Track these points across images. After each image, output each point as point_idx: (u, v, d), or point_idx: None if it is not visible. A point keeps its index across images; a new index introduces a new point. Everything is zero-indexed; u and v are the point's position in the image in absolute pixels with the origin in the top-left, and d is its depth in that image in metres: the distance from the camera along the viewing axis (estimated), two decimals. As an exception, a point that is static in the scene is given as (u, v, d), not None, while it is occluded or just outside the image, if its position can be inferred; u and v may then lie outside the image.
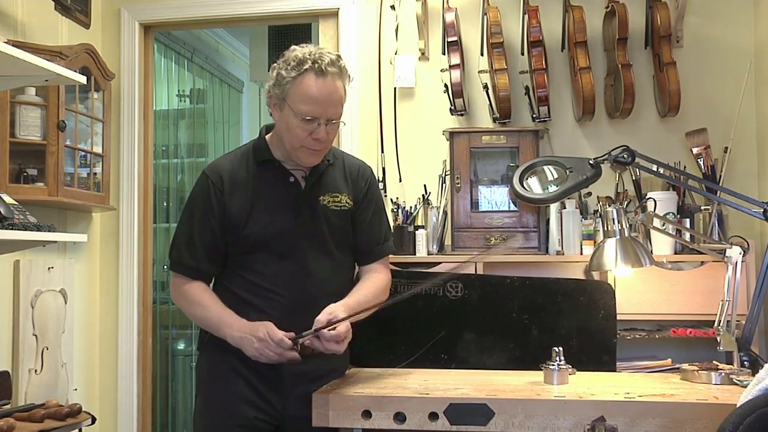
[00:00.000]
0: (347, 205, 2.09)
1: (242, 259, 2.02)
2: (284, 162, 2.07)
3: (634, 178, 2.81)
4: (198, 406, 2.10)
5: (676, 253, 2.67)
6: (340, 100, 1.97)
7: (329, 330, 1.87)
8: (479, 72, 3.00)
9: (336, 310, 1.90)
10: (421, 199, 2.93)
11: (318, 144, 1.97)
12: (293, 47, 1.99)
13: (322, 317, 1.88)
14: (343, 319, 1.89)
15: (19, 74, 2.24)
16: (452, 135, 2.83)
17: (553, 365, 1.98)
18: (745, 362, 2.12)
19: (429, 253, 2.81)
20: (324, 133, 1.95)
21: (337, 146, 3.07)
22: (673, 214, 2.67)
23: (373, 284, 2.09)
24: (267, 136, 2.12)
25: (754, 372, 1.98)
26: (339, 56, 1.98)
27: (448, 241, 2.86)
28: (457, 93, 2.87)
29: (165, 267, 3.92)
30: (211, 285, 2.14)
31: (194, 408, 2.13)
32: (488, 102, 2.97)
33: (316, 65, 1.91)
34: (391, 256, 2.21)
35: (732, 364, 2.15)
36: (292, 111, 1.93)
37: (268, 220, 2.02)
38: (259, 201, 2.04)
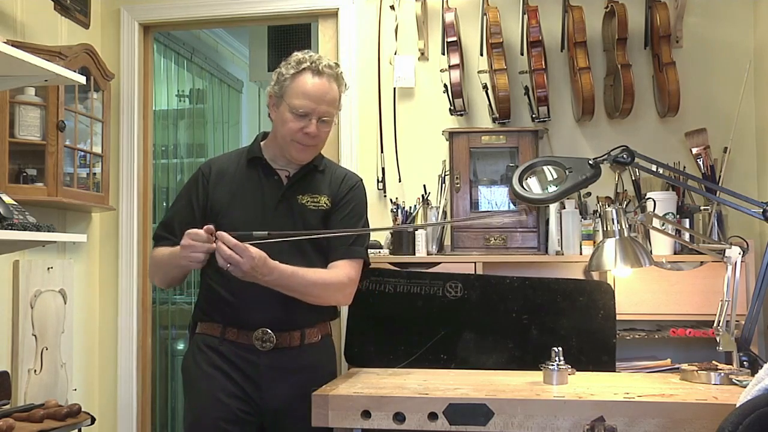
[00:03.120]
0: (325, 205, 2.15)
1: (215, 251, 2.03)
2: (272, 162, 2.17)
3: (633, 178, 2.81)
4: (185, 403, 2.17)
5: (675, 254, 2.67)
6: (333, 101, 2.09)
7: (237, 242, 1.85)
8: (479, 72, 3.00)
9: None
10: (421, 199, 2.93)
11: (308, 139, 2.07)
12: (295, 52, 2.13)
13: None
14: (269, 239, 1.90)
15: (18, 74, 2.24)
16: (452, 135, 2.83)
17: (552, 365, 1.98)
18: (745, 362, 2.12)
19: (428, 254, 2.80)
20: (314, 129, 2.06)
21: (336, 147, 3.10)
22: (673, 214, 2.67)
23: (316, 273, 2.05)
24: (262, 142, 2.22)
25: (754, 372, 1.99)
26: (337, 64, 2.14)
27: (447, 242, 2.86)
28: (456, 93, 2.87)
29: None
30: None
31: (183, 406, 2.17)
32: (488, 102, 2.97)
33: (314, 65, 2.07)
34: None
35: (731, 364, 2.15)
36: (288, 106, 2.06)
37: (245, 211, 2.09)
38: (241, 193, 2.13)
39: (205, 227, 1.88)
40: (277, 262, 1.93)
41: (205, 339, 2.12)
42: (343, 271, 2.09)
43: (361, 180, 2.27)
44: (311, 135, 2.06)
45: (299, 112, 2.04)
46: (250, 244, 1.86)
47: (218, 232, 1.86)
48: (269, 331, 2.06)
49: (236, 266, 1.85)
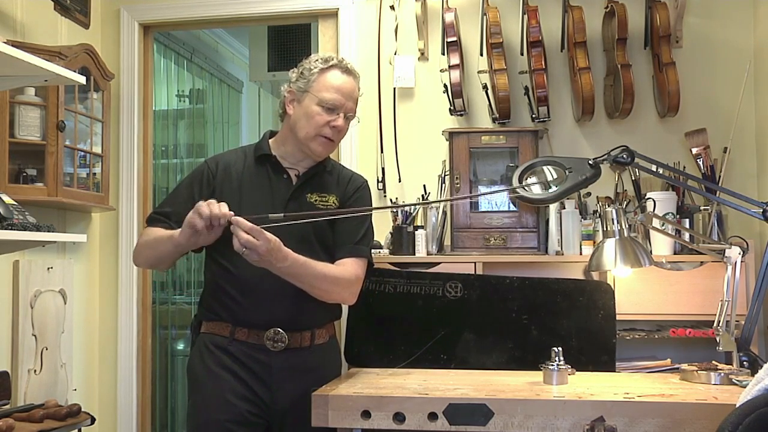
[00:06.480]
0: (333, 205, 2.16)
1: (222, 248, 2.03)
2: (282, 160, 2.16)
3: (633, 178, 2.81)
4: (191, 404, 2.13)
5: (675, 254, 2.67)
6: (357, 101, 2.17)
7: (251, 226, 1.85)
8: (479, 72, 3.00)
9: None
10: (421, 200, 2.93)
11: (334, 133, 2.11)
12: (313, 54, 2.19)
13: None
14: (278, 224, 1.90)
15: (18, 74, 2.24)
16: (452, 135, 2.83)
17: (552, 365, 1.98)
18: (745, 362, 2.12)
19: (428, 254, 2.80)
20: (342, 123, 2.10)
21: (337, 149, 3.10)
22: (673, 214, 2.67)
23: (327, 267, 2.06)
24: (271, 140, 2.22)
25: (754, 372, 1.99)
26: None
27: (447, 242, 2.86)
28: (456, 93, 2.87)
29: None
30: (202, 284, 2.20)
31: (187, 407, 2.15)
32: (488, 102, 2.97)
33: (342, 63, 2.13)
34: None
35: (731, 364, 2.15)
36: (316, 98, 2.08)
37: (254, 209, 2.06)
38: (249, 191, 2.12)
39: (225, 211, 1.85)
40: (290, 251, 1.92)
41: (213, 339, 2.10)
42: (351, 269, 2.10)
43: (367, 181, 2.29)
44: (338, 129, 2.09)
45: (328, 105, 2.07)
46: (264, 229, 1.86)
47: (234, 217, 1.85)
48: (281, 330, 2.05)
49: (253, 249, 1.83)
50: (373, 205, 2.32)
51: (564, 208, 2.75)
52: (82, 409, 2.47)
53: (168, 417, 4.06)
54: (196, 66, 4.43)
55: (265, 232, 1.85)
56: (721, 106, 2.90)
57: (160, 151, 4.15)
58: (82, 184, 2.90)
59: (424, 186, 2.95)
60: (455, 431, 1.74)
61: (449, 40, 2.91)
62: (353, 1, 3.17)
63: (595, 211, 2.76)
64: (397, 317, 2.49)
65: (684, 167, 2.82)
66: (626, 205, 2.73)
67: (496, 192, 2.78)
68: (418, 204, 2.90)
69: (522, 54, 2.95)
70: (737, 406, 1.36)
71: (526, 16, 2.85)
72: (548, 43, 2.90)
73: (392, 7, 3.15)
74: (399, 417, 1.76)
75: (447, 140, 2.87)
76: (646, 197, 2.62)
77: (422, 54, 3.11)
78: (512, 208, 2.79)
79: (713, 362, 2.21)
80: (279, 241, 1.88)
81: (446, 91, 2.93)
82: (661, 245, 2.67)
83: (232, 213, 1.87)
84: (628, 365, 2.56)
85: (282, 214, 1.93)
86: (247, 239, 1.82)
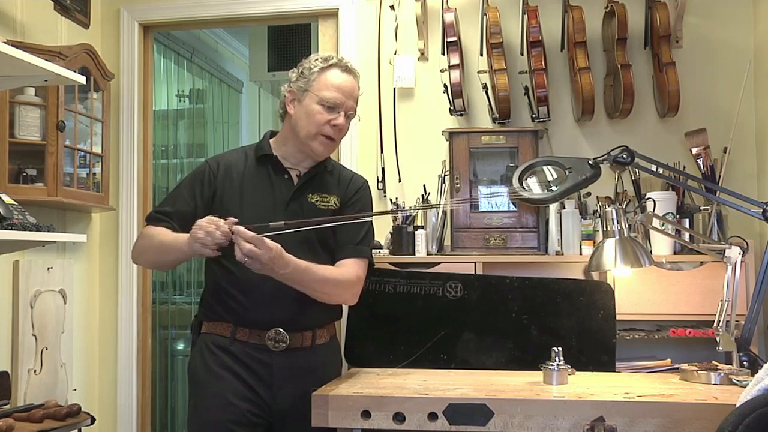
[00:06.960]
0: (335, 205, 2.17)
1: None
2: (283, 160, 2.16)
3: (633, 178, 2.81)
4: (192, 405, 2.13)
5: (675, 254, 2.67)
6: (357, 99, 2.17)
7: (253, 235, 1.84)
8: (479, 72, 3.00)
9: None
10: (421, 200, 2.93)
11: (335, 132, 2.10)
12: (312, 54, 2.19)
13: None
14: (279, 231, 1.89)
15: (18, 74, 2.24)
16: (452, 135, 2.83)
17: (552, 365, 1.98)
18: (745, 362, 2.12)
19: (428, 254, 2.80)
20: (343, 121, 2.10)
21: (337, 149, 3.10)
22: (673, 214, 2.67)
23: (328, 270, 2.06)
24: (271, 140, 2.22)
25: (754, 372, 1.99)
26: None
27: (447, 242, 2.86)
28: (456, 93, 2.87)
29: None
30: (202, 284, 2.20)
31: (188, 408, 2.15)
32: (488, 102, 2.97)
33: (341, 62, 2.13)
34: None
35: (731, 364, 2.15)
36: (316, 97, 2.08)
37: (255, 209, 2.07)
38: (251, 191, 2.12)
39: (223, 229, 1.84)
40: (291, 256, 1.92)
41: (214, 339, 2.10)
42: (352, 270, 2.11)
43: (367, 182, 2.29)
44: (339, 127, 2.09)
45: (329, 103, 2.07)
46: (265, 237, 1.86)
47: (234, 227, 1.85)
48: (282, 331, 2.05)
49: (255, 259, 1.83)
50: (373, 205, 2.31)
51: (564, 208, 2.76)
52: (82, 409, 2.47)
53: (168, 417, 4.06)
54: (196, 66, 4.43)
55: (267, 240, 1.85)
56: (721, 106, 2.90)
57: (160, 151, 4.15)
58: (82, 184, 2.90)
59: (424, 186, 2.95)
60: (455, 431, 1.74)
61: (449, 40, 2.91)
62: (353, 1, 3.17)
63: (595, 211, 2.76)
64: (397, 317, 2.49)
65: (684, 167, 2.82)
66: (626, 205, 2.72)
67: (495, 196, 2.79)
68: (418, 208, 2.90)
69: (522, 54, 2.95)
70: (737, 406, 1.36)
71: (526, 16, 2.85)
72: (548, 43, 2.90)
73: (392, 7, 3.15)
74: (399, 417, 1.76)
75: (447, 140, 2.87)
76: (646, 197, 2.62)
77: (422, 54, 3.11)
78: (512, 208, 2.79)
79: (713, 362, 2.21)
80: (281, 248, 1.88)
81: (446, 91, 2.93)
82: (661, 245, 2.67)
83: (235, 220, 1.86)
84: (628, 365, 2.56)
85: (283, 222, 1.92)
86: (249, 249, 1.82)
